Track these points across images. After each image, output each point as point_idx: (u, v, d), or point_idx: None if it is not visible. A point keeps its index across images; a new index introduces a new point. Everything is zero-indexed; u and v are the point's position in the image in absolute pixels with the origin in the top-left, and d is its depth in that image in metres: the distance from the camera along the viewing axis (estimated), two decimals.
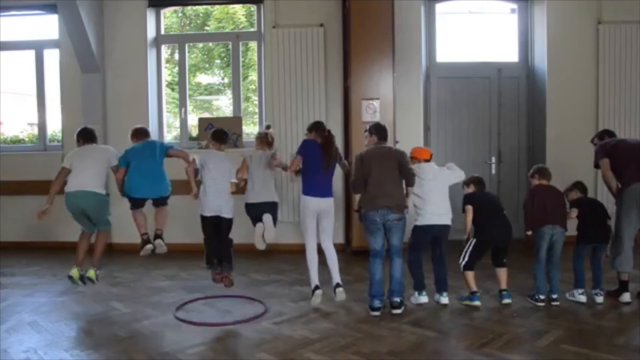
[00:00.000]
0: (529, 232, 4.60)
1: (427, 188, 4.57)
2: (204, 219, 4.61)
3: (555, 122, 6.84)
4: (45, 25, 7.43)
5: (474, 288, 4.48)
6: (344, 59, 6.71)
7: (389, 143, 4.83)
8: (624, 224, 4.50)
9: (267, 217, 4.61)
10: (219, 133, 4.83)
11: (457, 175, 4.76)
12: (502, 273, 4.55)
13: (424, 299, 4.53)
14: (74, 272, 4.60)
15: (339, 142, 6.08)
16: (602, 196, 5.45)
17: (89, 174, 4.51)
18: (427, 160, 4.73)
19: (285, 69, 6.75)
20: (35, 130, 7.74)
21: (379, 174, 4.36)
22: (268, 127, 5.05)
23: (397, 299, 4.29)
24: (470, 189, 4.75)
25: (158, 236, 4.70)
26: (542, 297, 4.45)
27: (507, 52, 7.43)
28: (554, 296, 4.44)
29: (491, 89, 7.31)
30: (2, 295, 4.89)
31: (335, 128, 6.81)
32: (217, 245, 4.64)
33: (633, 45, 6.76)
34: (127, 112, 7.05)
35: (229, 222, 4.66)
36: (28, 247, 6.90)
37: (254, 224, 4.64)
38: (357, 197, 4.66)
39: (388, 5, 6.27)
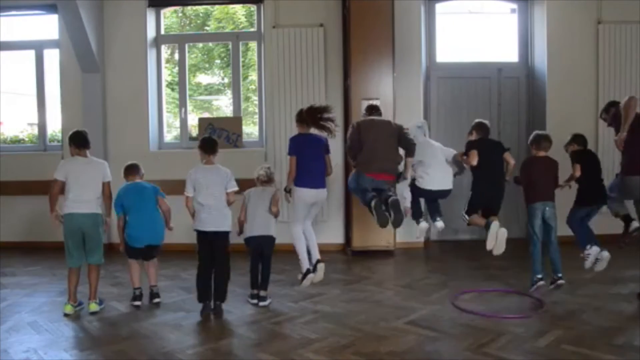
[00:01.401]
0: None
1: (430, 152, 4.84)
2: (200, 234, 4.36)
3: (555, 122, 6.84)
4: (45, 25, 7.43)
5: (483, 223, 4.62)
6: (344, 59, 6.71)
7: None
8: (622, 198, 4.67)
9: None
10: (205, 142, 4.50)
11: (446, 152, 5.06)
12: (494, 217, 4.67)
13: (424, 224, 5.08)
14: (68, 309, 4.32)
15: (338, 141, 6.10)
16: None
17: (87, 195, 4.34)
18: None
19: (285, 69, 6.75)
20: (35, 130, 7.74)
21: (375, 141, 4.49)
22: (269, 168, 4.88)
23: (389, 193, 4.44)
24: (473, 136, 4.81)
25: (155, 295, 4.61)
26: (540, 276, 4.57)
27: (507, 52, 7.43)
28: (559, 275, 4.54)
29: (491, 89, 7.31)
30: (2, 295, 4.89)
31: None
32: (209, 275, 4.33)
33: (633, 45, 6.76)
34: (127, 112, 7.06)
35: (225, 235, 4.40)
36: (28, 247, 6.90)
37: (252, 260, 4.58)
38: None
39: (388, 5, 6.27)
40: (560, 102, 6.84)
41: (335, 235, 6.80)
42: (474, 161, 4.63)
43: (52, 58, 7.38)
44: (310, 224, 4.81)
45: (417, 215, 5.18)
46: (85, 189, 4.36)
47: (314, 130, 4.84)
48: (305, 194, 4.57)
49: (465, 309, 4.25)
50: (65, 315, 4.29)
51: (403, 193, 5.15)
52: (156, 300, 4.60)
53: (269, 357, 3.44)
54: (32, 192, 6.63)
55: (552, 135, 6.71)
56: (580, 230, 4.67)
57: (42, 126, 7.52)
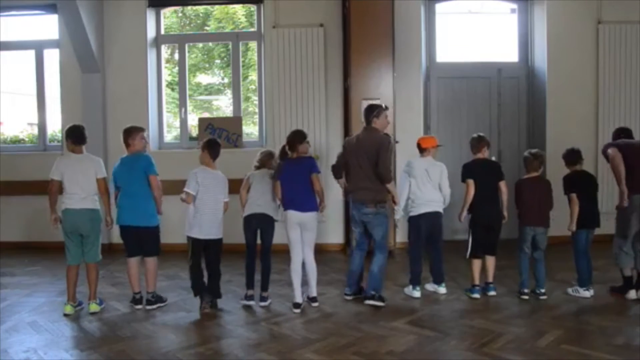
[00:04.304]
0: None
1: (419, 180, 4.72)
2: (193, 241, 4.37)
3: (555, 122, 6.84)
4: (45, 25, 7.43)
5: (476, 281, 4.61)
6: (344, 59, 6.71)
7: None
8: (626, 229, 4.50)
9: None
10: (213, 145, 4.52)
11: (445, 187, 4.81)
12: (491, 262, 4.68)
13: (417, 293, 4.66)
14: (68, 309, 4.31)
15: (339, 142, 6.09)
16: (601, 196, 5.41)
17: (84, 191, 4.33)
18: (433, 147, 4.87)
19: (285, 69, 6.75)
20: (35, 130, 7.74)
21: (358, 167, 4.42)
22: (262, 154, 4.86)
23: (371, 292, 4.40)
24: (476, 155, 4.79)
25: (150, 302, 4.47)
26: (526, 290, 4.57)
27: (507, 52, 7.42)
28: (541, 290, 4.56)
29: (491, 89, 7.31)
30: (2, 295, 4.89)
31: (335, 128, 6.84)
32: (202, 274, 4.44)
33: (633, 45, 6.77)
34: (127, 112, 7.04)
35: (218, 243, 4.46)
36: (28, 247, 6.90)
37: (247, 244, 4.57)
38: (340, 184, 4.74)
39: (388, 5, 6.27)
40: (560, 102, 6.83)
41: (335, 235, 6.80)
42: (471, 193, 4.63)
43: (52, 58, 7.38)
44: (311, 255, 4.54)
45: (415, 279, 4.71)
46: (80, 185, 4.36)
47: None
48: (290, 216, 4.43)
49: None
50: (65, 315, 4.29)
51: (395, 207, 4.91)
52: (150, 307, 4.44)
53: (269, 357, 3.44)
54: (32, 192, 6.62)
55: (552, 136, 6.79)
56: (585, 264, 4.62)
57: (42, 126, 7.51)
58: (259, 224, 4.59)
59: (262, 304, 4.49)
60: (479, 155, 4.82)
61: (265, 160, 4.76)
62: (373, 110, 4.53)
